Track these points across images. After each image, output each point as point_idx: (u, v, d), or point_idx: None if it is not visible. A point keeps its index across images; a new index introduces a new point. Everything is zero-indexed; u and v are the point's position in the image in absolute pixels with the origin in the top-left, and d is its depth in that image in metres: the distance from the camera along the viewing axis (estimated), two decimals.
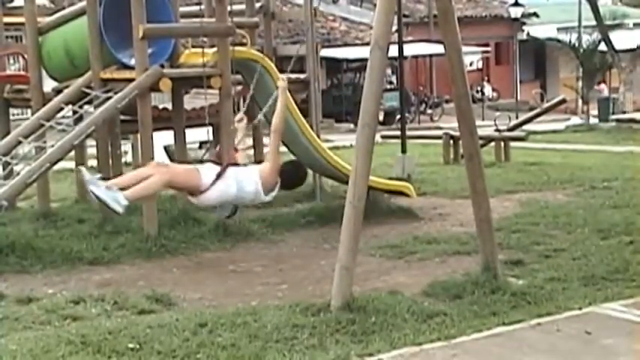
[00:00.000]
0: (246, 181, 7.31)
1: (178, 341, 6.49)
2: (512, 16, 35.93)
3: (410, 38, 30.90)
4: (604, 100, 32.42)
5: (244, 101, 15.97)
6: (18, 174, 10.08)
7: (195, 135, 13.93)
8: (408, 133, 17.40)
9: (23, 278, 9.15)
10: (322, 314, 7.00)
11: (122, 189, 6.94)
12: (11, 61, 14.72)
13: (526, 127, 22.29)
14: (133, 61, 10.97)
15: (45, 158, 10.05)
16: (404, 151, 15.83)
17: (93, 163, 13.13)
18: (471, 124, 8.05)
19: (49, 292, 8.54)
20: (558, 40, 33.92)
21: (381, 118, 25.16)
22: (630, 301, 7.52)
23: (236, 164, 7.48)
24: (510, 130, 20.35)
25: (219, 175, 7.25)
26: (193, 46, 12.17)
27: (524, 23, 38.44)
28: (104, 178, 7.07)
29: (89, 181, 6.86)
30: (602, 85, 35.01)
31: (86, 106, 10.98)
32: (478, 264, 8.45)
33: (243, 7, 13.22)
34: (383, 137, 19.56)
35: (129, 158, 15.86)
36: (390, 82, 32.07)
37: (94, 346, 6.36)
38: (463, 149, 8.34)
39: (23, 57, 12.85)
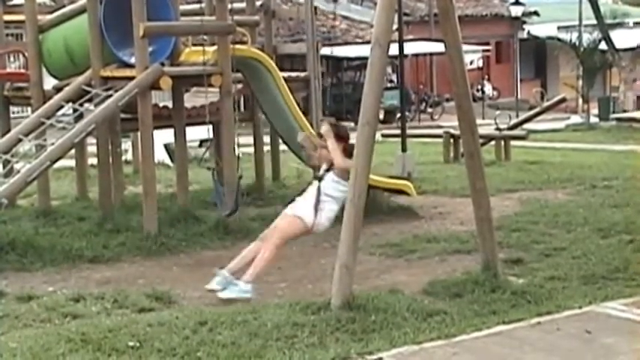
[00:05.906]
0: (332, 189, 8.00)
1: (178, 339, 6.48)
2: (513, 14, 35.97)
3: (410, 37, 30.88)
4: (604, 99, 32.38)
5: (245, 99, 16.04)
6: (18, 172, 10.08)
7: (196, 133, 13.94)
8: (409, 131, 17.40)
9: (23, 276, 9.14)
10: (322, 313, 6.99)
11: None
12: (11, 58, 14.71)
13: (526, 125, 22.34)
14: (133, 59, 10.96)
15: (45, 156, 10.04)
16: (404, 149, 15.82)
17: (93, 161, 13.16)
18: (471, 123, 8.04)
19: (49, 289, 8.53)
20: (559, 39, 33.88)
21: (381, 116, 25.13)
22: (630, 300, 7.51)
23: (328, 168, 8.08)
24: (511, 128, 20.37)
25: (316, 207, 7.99)
26: (194, 44, 12.17)
27: (524, 22, 38.46)
28: None
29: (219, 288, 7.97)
30: (638, 83, 34.41)
31: (86, 104, 10.98)
32: (478, 263, 8.45)
33: (243, 5, 13.22)
34: (383, 136, 19.55)
35: (129, 156, 15.86)
36: (391, 81, 32.06)
37: (94, 344, 6.35)
38: (463, 148, 8.33)
39: (23, 55, 12.83)
